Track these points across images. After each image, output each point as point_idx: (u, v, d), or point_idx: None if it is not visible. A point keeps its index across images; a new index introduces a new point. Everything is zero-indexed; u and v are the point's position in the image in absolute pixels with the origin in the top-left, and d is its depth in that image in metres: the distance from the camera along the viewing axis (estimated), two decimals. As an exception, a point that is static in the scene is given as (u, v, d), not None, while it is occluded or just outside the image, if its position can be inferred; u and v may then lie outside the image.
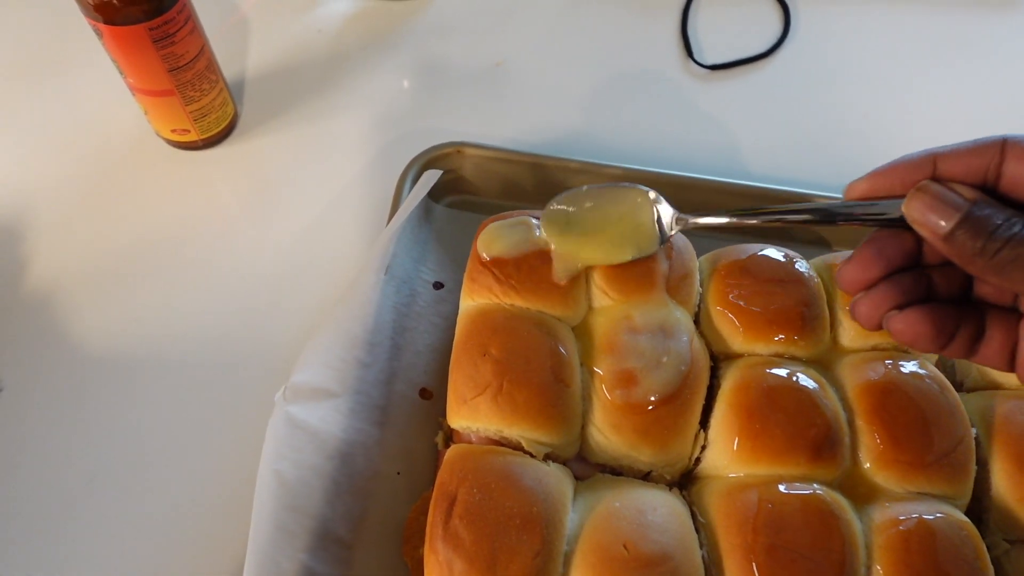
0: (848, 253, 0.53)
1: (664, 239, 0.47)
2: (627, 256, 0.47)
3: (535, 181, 0.62)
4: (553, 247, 0.47)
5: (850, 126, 0.71)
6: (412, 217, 0.56)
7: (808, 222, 0.41)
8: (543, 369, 0.44)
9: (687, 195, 0.61)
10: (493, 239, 0.48)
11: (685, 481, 0.48)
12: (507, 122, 0.69)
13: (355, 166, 0.65)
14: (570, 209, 0.48)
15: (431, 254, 0.58)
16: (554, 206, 0.48)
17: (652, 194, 0.48)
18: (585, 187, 0.49)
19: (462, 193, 0.62)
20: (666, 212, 0.48)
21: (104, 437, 0.52)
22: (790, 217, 0.42)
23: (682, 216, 0.47)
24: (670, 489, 0.46)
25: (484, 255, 0.48)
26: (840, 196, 0.61)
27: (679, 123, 0.70)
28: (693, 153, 0.68)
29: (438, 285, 0.57)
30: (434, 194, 0.61)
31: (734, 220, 0.44)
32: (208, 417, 0.52)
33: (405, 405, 0.51)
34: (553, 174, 0.61)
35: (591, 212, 0.48)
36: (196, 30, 0.55)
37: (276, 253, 0.60)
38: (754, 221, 0.44)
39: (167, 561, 0.48)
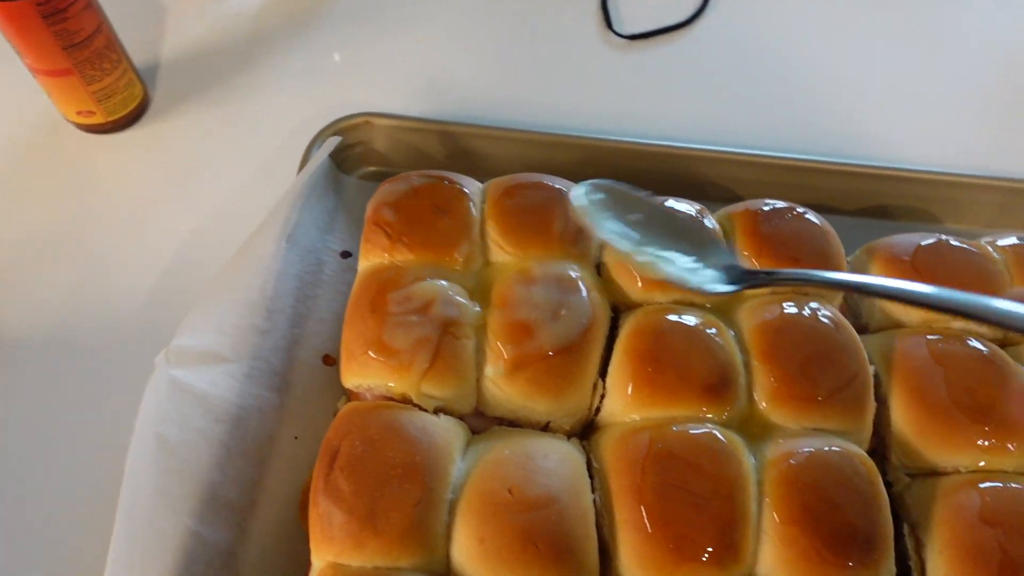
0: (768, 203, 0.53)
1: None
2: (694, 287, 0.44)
3: (446, 150, 0.61)
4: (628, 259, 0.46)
5: (768, 91, 0.72)
6: (318, 187, 0.56)
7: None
8: (433, 321, 0.44)
9: (601, 158, 0.61)
10: (383, 193, 0.48)
11: (587, 432, 0.47)
12: (430, 96, 0.68)
13: (271, 144, 0.64)
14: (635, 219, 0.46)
15: (339, 224, 0.58)
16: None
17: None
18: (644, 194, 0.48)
19: (373, 165, 0.62)
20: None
21: None
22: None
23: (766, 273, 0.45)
24: (568, 439, 0.45)
25: (374, 212, 0.48)
26: (754, 153, 0.61)
27: (598, 91, 0.70)
28: (611, 119, 0.68)
29: (346, 254, 0.56)
30: (345, 166, 0.61)
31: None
32: (112, 397, 0.52)
33: (307, 372, 0.50)
34: (464, 141, 0.61)
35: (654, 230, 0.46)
36: (92, 6, 0.55)
37: (191, 232, 0.60)
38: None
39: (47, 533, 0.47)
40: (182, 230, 0.59)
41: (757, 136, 0.68)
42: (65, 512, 0.48)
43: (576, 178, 0.53)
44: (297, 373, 0.50)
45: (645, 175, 0.61)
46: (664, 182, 0.62)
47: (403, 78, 0.70)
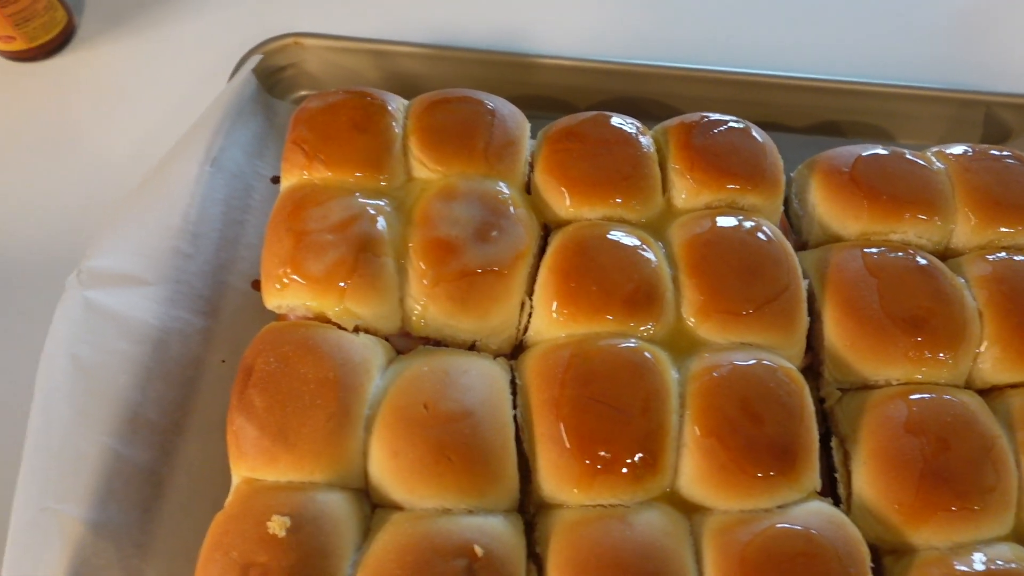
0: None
1: None
2: None
3: (382, 72, 0.59)
4: None
5: (712, 5, 0.69)
6: (244, 111, 0.54)
7: None
8: (349, 239, 0.43)
9: (543, 76, 0.59)
10: (301, 111, 0.47)
11: (517, 352, 0.47)
12: (365, 16, 0.66)
13: (201, 69, 0.62)
14: None
15: (271, 149, 0.56)
16: None
17: None
18: None
19: (307, 88, 0.60)
20: None
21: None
22: None
23: None
24: (495, 358, 0.45)
25: (292, 130, 0.47)
26: (698, 68, 0.58)
27: (539, 8, 0.67)
28: (553, 37, 0.65)
29: (276, 179, 0.55)
30: (277, 91, 0.59)
31: None
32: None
33: (235, 296, 0.50)
34: (399, 62, 0.59)
35: None
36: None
37: (119, 161, 0.58)
38: None
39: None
40: (110, 158, 0.58)
41: (703, 52, 0.65)
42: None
43: (516, 98, 0.51)
44: (225, 298, 0.49)
45: (587, 93, 0.59)
46: (607, 101, 0.60)
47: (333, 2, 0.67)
